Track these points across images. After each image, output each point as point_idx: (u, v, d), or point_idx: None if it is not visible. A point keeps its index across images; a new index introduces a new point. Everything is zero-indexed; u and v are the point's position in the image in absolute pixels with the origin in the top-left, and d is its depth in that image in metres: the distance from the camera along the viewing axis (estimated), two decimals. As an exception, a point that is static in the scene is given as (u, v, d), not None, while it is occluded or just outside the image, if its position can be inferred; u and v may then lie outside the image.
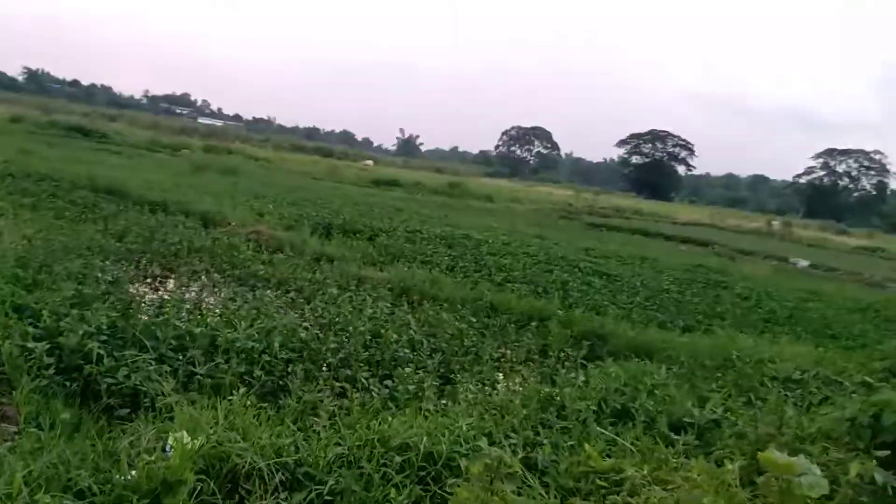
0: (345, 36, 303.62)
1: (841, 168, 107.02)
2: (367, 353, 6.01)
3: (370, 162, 72.01)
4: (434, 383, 5.45)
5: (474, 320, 8.32)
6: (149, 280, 8.50)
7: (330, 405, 4.47)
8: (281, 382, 5.11)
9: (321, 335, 6.15)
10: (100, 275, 7.24)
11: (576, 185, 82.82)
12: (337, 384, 5.17)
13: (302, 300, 8.02)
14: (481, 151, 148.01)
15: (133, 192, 14.25)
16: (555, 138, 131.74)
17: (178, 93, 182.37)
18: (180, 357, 5.06)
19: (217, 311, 6.65)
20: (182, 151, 38.31)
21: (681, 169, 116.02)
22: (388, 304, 8.24)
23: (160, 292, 7.86)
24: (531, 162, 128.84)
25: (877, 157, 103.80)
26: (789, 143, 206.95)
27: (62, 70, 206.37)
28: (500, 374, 6.76)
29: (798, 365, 7.13)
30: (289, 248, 11.38)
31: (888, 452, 3.67)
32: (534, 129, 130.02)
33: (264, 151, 53.80)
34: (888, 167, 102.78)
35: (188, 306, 6.67)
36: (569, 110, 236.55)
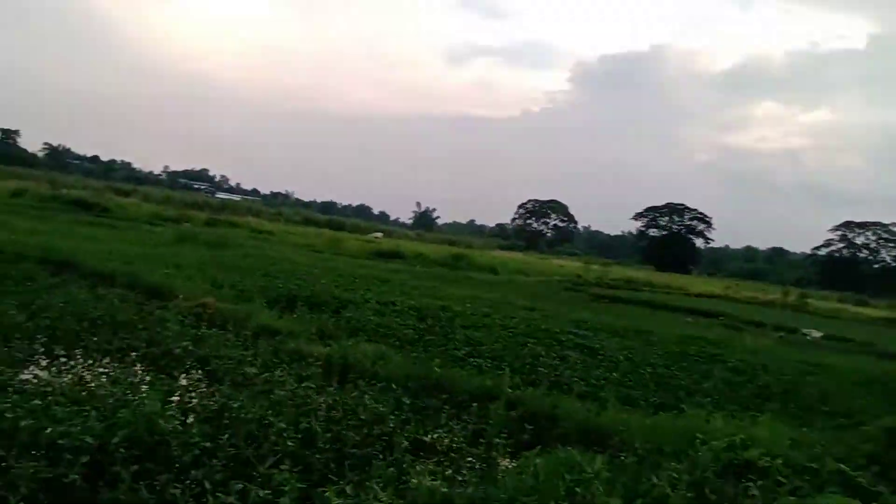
0: (358, 109, 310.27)
1: (859, 240, 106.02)
2: (238, 448, 5.01)
3: (380, 235, 71.85)
4: (298, 486, 4.41)
5: (407, 402, 7.30)
6: (47, 360, 7.61)
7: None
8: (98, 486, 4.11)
9: (188, 426, 5.18)
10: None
11: (591, 257, 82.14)
12: (174, 489, 4.17)
13: (203, 383, 7.07)
14: (498, 225, 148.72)
15: (85, 264, 13.51)
16: (571, 211, 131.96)
17: (197, 168, 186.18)
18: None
19: (71, 396, 5.68)
20: (183, 224, 38.01)
21: (698, 242, 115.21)
22: (314, 385, 7.27)
23: (43, 375, 6.92)
24: (548, 235, 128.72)
25: (895, 228, 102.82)
26: (807, 216, 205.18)
27: (84, 146, 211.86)
28: (416, 467, 5.70)
29: (769, 450, 6.02)
30: (232, 322, 10.49)
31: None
32: (550, 202, 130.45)
33: (270, 224, 53.68)
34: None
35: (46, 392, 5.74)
36: (587, 183, 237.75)
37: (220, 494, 4.25)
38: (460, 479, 5.34)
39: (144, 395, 5.67)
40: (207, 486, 4.31)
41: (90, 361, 7.69)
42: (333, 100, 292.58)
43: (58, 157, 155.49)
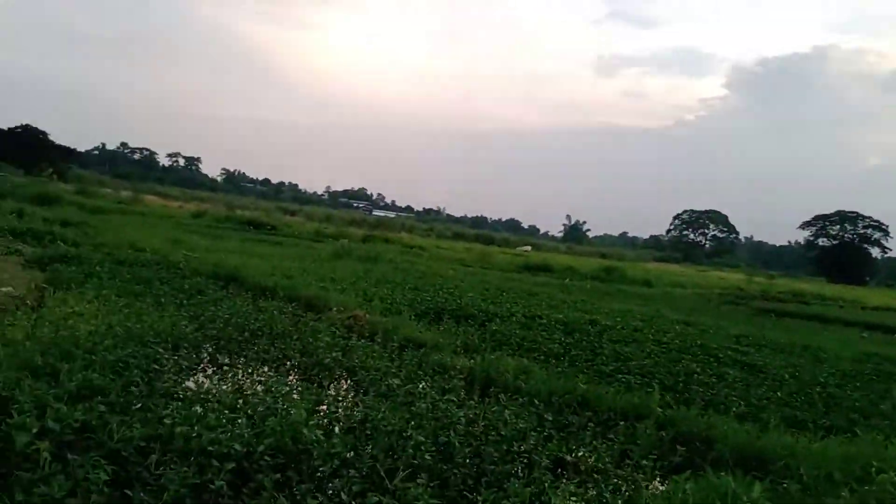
0: (507, 125, 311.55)
1: None
2: (377, 460, 5.07)
3: (528, 248, 71.65)
4: (432, 501, 4.37)
5: (550, 418, 7.12)
6: (213, 368, 8.11)
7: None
8: (242, 493, 4.27)
9: (331, 436, 5.31)
10: (153, 364, 6.96)
11: (753, 269, 77.52)
12: (313, 499, 4.27)
13: (349, 393, 7.26)
14: (652, 236, 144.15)
15: (249, 278, 14.37)
16: (732, 221, 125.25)
17: (356, 188, 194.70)
18: (141, 462, 4.40)
19: (227, 403, 5.98)
20: (340, 241, 39.72)
21: (874, 251, 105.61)
22: (455, 398, 7.27)
23: (205, 383, 7.36)
24: (706, 246, 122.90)
25: None
26: None
27: (256, 170, 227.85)
28: (557, 487, 5.51)
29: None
30: (380, 334, 10.74)
31: None
32: (708, 212, 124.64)
33: (421, 240, 54.97)
34: None
35: (204, 399, 6.11)
36: (747, 192, 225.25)
37: (355, 506, 4.30)
38: (603, 501, 5.09)
39: (292, 404, 5.88)
40: (344, 497, 4.37)
41: (249, 370, 8.11)
42: (484, 118, 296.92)
43: (234, 181, 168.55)
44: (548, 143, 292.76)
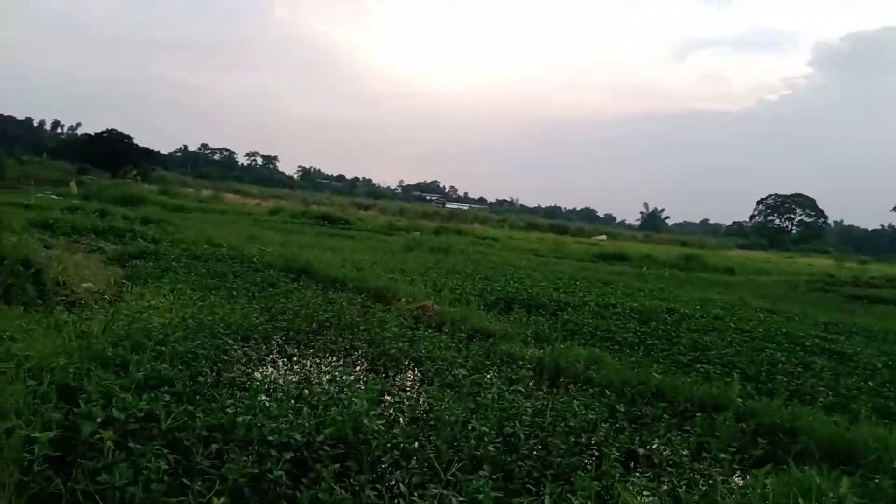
0: (580, 114, 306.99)
1: None
2: (440, 451, 4.94)
3: (603, 237, 70.40)
4: (494, 494, 4.21)
5: (622, 409, 6.85)
6: (283, 359, 8.16)
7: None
8: (300, 483, 4.21)
9: (392, 427, 5.22)
10: (222, 355, 7.06)
11: (844, 254, 74.07)
12: (372, 491, 4.17)
13: (415, 383, 7.17)
14: (735, 223, 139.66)
15: (320, 271, 14.50)
16: (820, 205, 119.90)
17: (429, 181, 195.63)
18: (202, 451, 4.39)
19: (291, 394, 5.96)
20: (412, 234, 39.92)
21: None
22: (522, 389, 7.09)
23: (272, 373, 7.39)
24: (792, 232, 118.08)
25: None
26: None
27: (331, 167, 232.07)
28: (627, 482, 5.27)
29: None
30: (448, 324, 10.63)
31: None
32: (794, 196, 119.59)
33: (494, 231, 54.75)
34: None
35: (270, 389, 6.12)
36: (836, 174, 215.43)
37: (415, 499, 4.18)
38: (677, 496, 4.82)
39: (356, 394, 5.82)
40: (403, 488, 4.26)
41: (316, 360, 8.13)
42: (557, 107, 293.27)
43: (309, 178, 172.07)
44: (624, 130, 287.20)
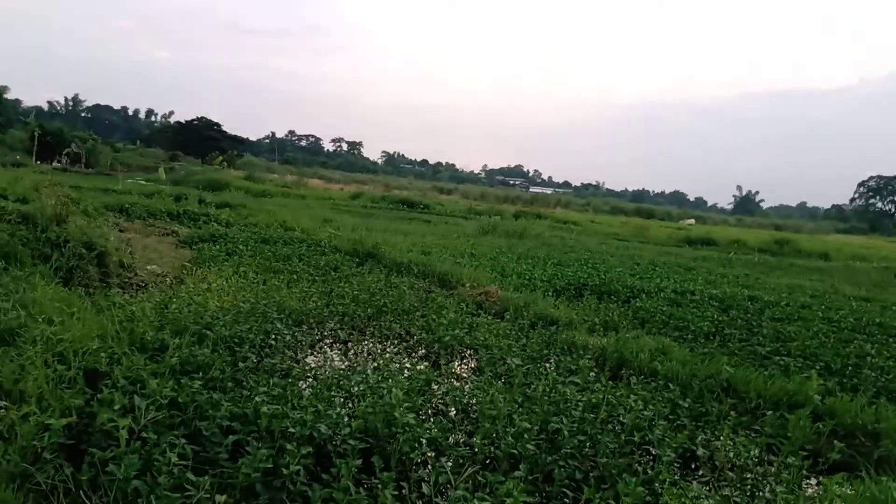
0: (671, 95, 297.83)
1: None
2: (473, 447, 4.62)
3: (692, 221, 68.15)
4: (523, 499, 3.84)
5: (685, 405, 6.33)
6: (335, 345, 8.00)
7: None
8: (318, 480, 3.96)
9: (427, 420, 4.92)
10: (269, 340, 6.93)
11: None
12: (389, 492, 3.88)
13: (468, 372, 6.87)
14: (834, 206, 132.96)
15: (387, 255, 14.34)
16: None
17: (513, 165, 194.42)
18: (216, 442, 4.21)
19: (328, 382, 5.73)
20: (493, 218, 39.51)
21: None
22: (579, 381, 6.68)
23: (320, 360, 7.21)
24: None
25: None
26: None
27: (415, 152, 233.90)
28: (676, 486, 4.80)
29: None
30: (511, 310, 10.26)
31: None
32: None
33: (575, 215, 53.71)
34: None
35: (311, 379, 5.93)
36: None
37: (438, 500, 3.87)
38: (735, 504, 4.34)
39: (397, 384, 5.55)
40: (426, 489, 3.96)
41: (370, 347, 7.92)
42: (648, 89, 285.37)
43: (393, 163, 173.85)
44: (715, 111, 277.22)
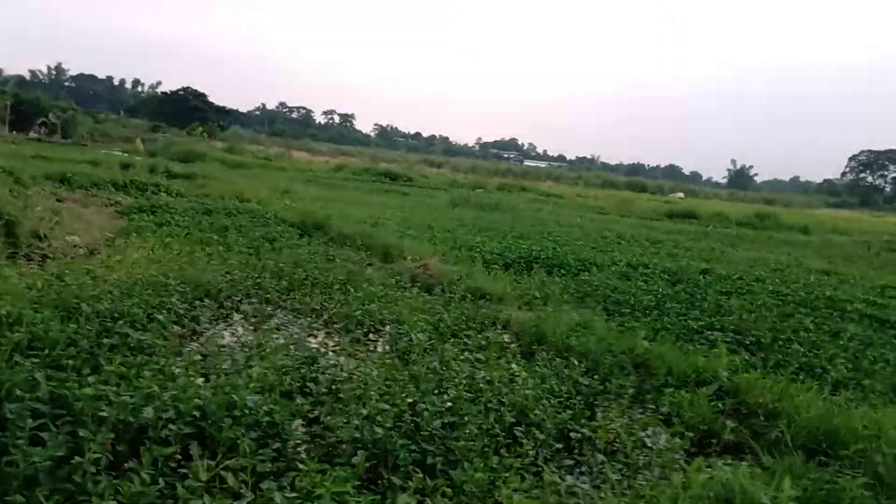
0: (662, 69, 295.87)
1: None
2: (312, 433, 4.26)
3: (681, 195, 67.75)
4: (335, 489, 3.47)
5: (586, 383, 5.98)
6: (242, 320, 7.62)
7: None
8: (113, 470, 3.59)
9: (276, 402, 4.54)
10: (156, 315, 6.54)
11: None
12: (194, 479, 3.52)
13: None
14: (826, 180, 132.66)
15: (334, 227, 13.92)
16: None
17: (507, 138, 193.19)
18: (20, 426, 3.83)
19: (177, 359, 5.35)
20: (475, 190, 39.04)
21: None
22: (482, 357, 6.34)
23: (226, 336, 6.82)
24: (886, 190, 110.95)
25: None
26: None
27: (408, 124, 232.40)
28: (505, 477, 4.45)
29: None
30: (446, 283, 9.90)
31: None
32: (888, 152, 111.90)
33: (561, 187, 53.26)
34: None
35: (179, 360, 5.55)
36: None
37: (244, 492, 3.51)
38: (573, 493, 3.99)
39: (265, 362, 5.20)
40: (232, 481, 3.59)
41: (278, 321, 7.56)
42: (641, 62, 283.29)
43: (386, 136, 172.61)
44: (711, 84, 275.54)
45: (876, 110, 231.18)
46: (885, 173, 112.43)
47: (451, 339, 7.10)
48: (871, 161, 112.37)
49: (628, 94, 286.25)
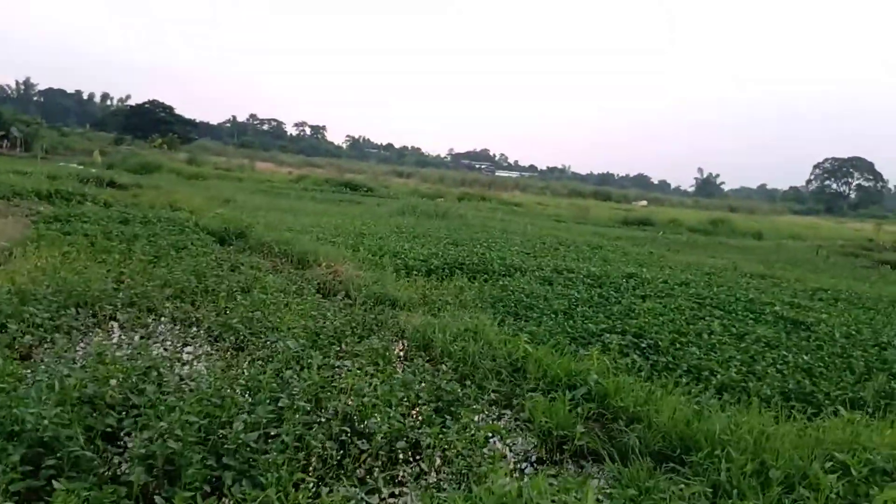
0: (641, 75, 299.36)
1: None
2: (96, 444, 3.96)
3: (644, 203, 68.38)
4: None
5: (448, 389, 5.71)
6: (117, 329, 7.29)
7: None
8: None
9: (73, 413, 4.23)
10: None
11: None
12: None
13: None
14: (792, 188, 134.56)
15: (256, 235, 13.60)
16: (878, 168, 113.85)
17: (479, 149, 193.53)
18: None
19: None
20: (436, 200, 38.85)
21: None
22: (347, 364, 6.07)
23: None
24: (850, 197, 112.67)
25: None
26: None
27: (380, 136, 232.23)
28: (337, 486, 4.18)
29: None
30: (351, 289, 9.65)
31: None
32: (852, 160, 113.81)
33: (521, 197, 53.36)
34: None
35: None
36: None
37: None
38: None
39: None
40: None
41: (153, 330, 7.25)
42: (613, 70, 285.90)
43: (358, 147, 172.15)
44: (681, 94, 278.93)
45: (842, 117, 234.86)
46: (850, 180, 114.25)
47: (329, 347, 6.83)
48: (836, 168, 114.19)
49: (599, 105, 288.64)
